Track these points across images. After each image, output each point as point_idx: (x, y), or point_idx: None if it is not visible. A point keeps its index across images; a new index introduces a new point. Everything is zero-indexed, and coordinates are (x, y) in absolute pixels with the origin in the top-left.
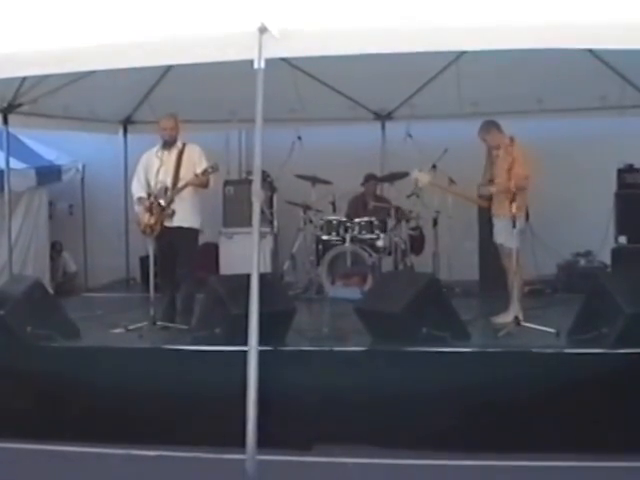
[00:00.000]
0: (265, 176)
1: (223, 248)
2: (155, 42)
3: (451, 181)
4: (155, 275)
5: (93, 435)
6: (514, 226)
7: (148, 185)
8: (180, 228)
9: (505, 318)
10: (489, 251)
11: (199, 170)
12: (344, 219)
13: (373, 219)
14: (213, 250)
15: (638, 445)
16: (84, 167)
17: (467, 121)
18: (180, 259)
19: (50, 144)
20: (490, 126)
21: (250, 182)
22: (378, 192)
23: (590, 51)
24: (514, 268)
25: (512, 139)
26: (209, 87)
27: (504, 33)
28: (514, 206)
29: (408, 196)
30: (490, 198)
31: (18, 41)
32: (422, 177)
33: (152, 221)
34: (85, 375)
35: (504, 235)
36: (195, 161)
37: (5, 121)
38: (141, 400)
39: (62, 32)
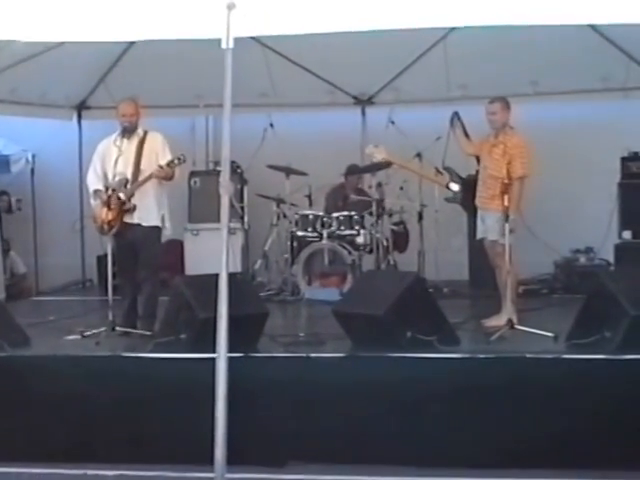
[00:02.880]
0: (234, 167)
1: (189, 246)
2: (115, 17)
3: (438, 172)
4: (114, 276)
5: (44, 454)
6: (507, 221)
7: (105, 177)
8: (141, 225)
9: (497, 321)
10: (480, 248)
11: (163, 161)
12: (321, 214)
13: (353, 214)
14: (178, 248)
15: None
16: (34, 157)
17: (455, 106)
18: (141, 258)
19: None
20: (508, 105)
21: (218, 173)
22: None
23: (591, 26)
24: (507, 267)
25: (511, 127)
26: (173, 69)
27: (495, 8)
28: (506, 199)
29: (377, 186)
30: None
31: None
32: (377, 152)
33: (110, 217)
34: (36, 387)
35: (497, 231)
36: (158, 151)
37: None
38: (99, 414)
39: (21, 3)
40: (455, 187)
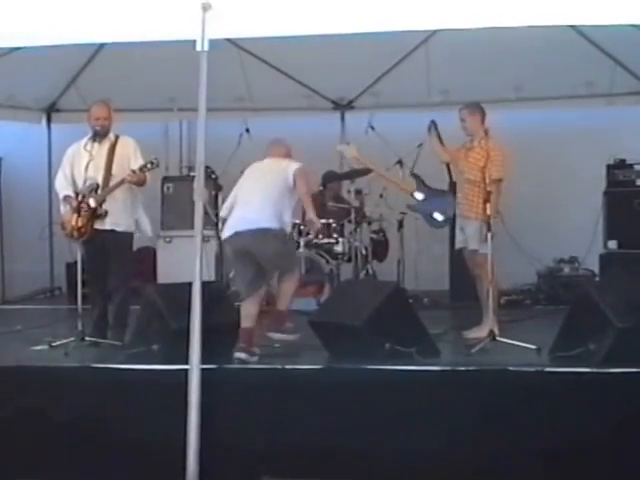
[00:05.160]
0: (209, 172)
1: (161, 253)
2: (86, 17)
3: (416, 177)
4: (83, 284)
5: (10, 466)
6: (489, 229)
7: (75, 182)
8: (113, 231)
9: (479, 332)
10: (461, 258)
11: (135, 166)
12: (298, 221)
13: (331, 221)
14: (150, 256)
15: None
16: (0, 161)
17: (436, 111)
18: (112, 266)
19: None
20: (477, 110)
21: (192, 179)
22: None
23: (575, 29)
24: (489, 277)
25: (486, 131)
26: (145, 71)
27: (478, 10)
28: (488, 207)
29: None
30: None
31: None
32: (347, 150)
33: (80, 223)
34: (1, 399)
35: (477, 240)
36: (129, 156)
37: None
38: (67, 426)
39: None
40: (419, 196)
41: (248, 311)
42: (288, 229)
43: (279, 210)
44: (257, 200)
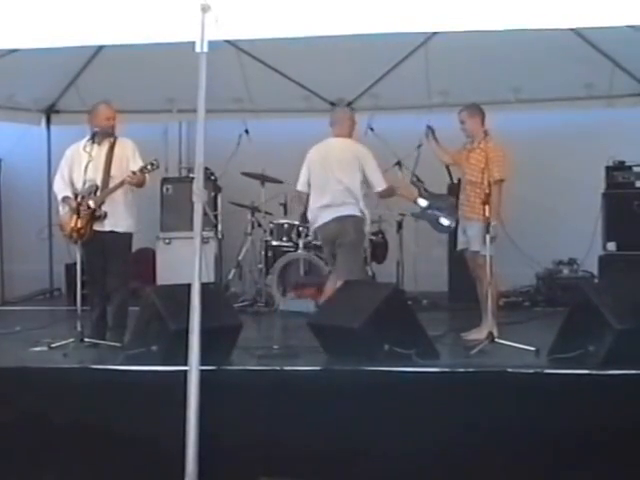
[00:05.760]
0: (208, 174)
1: (160, 255)
2: (86, 19)
3: (418, 180)
4: (83, 285)
5: (10, 468)
6: (488, 231)
7: (73, 184)
8: (113, 232)
9: (478, 334)
10: (460, 259)
11: (135, 167)
12: (297, 223)
13: None
14: (149, 257)
15: None
16: (0, 162)
17: (436, 113)
18: (112, 267)
19: None
20: (476, 111)
21: (191, 180)
22: None
23: (574, 31)
24: (488, 278)
25: (486, 133)
26: (145, 73)
27: (477, 12)
28: (487, 209)
29: None
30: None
31: None
32: None
33: (79, 224)
34: (0, 400)
35: (479, 242)
36: (128, 157)
37: None
38: (66, 427)
39: None
40: (423, 203)
41: None
42: None
43: None
44: None
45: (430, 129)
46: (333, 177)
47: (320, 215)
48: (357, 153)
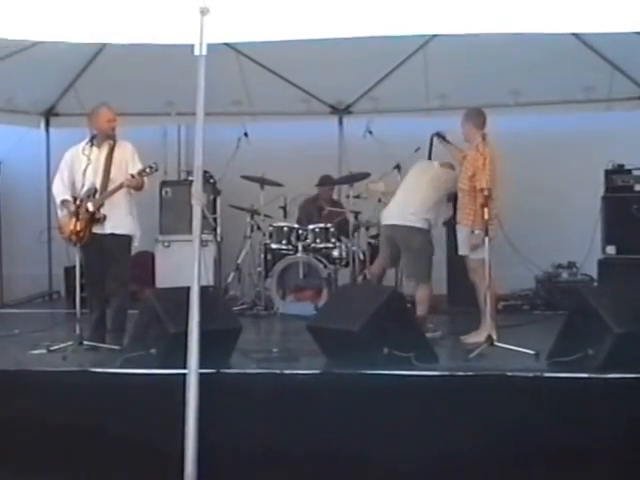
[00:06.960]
0: (207, 177)
1: (159, 258)
2: (86, 18)
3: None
4: (82, 288)
5: (8, 469)
6: (486, 234)
7: (73, 186)
8: (112, 235)
9: (477, 337)
10: (458, 262)
11: (134, 170)
12: (296, 226)
13: (329, 226)
14: (148, 260)
15: None
16: None
17: (434, 116)
18: (111, 270)
19: None
20: (471, 116)
21: (190, 183)
22: (335, 197)
23: (574, 34)
24: (487, 281)
25: (484, 136)
26: (144, 75)
27: (476, 16)
28: (485, 212)
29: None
30: None
31: None
32: (375, 187)
33: (78, 227)
34: None
35: (465, 246)
36: (128, 160)
37: None
38: (65, 430)
39: None
40: None
41: None
42: None
43: None
44: None
45: (440, 136)
46: None
47: None
48: None
